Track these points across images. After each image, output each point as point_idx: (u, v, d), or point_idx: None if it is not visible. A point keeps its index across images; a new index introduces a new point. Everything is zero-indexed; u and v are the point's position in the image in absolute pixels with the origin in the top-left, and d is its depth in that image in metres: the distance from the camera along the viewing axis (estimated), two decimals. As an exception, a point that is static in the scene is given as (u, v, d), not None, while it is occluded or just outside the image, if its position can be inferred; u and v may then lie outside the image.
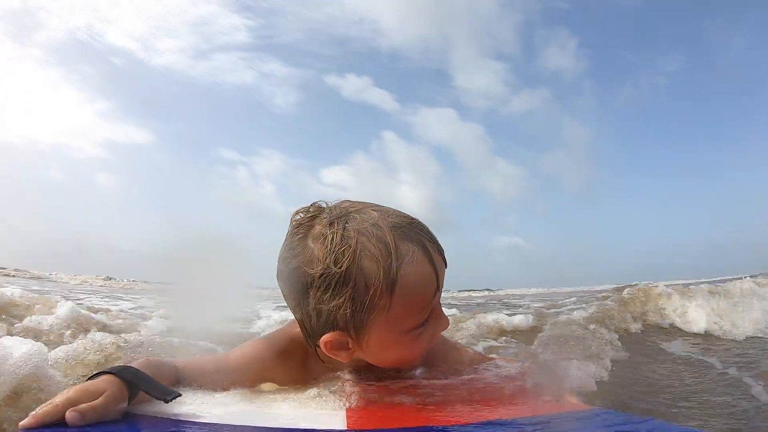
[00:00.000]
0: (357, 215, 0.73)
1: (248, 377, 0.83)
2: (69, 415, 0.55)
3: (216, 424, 0.62)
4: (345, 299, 0.70)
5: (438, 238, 0.80)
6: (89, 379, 0.62)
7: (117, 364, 0.68)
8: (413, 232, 0.75)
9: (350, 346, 0.76)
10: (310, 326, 0.75)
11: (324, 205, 0.78)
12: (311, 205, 0.78)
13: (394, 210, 0.77)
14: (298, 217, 0.77)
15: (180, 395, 0.66)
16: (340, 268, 0.69)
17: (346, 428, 0.65)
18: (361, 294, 0.70)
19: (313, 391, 0.82)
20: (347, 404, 0.74)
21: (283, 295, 0.79)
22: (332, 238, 0.70)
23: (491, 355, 1.04)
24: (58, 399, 0.57)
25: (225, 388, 0.82)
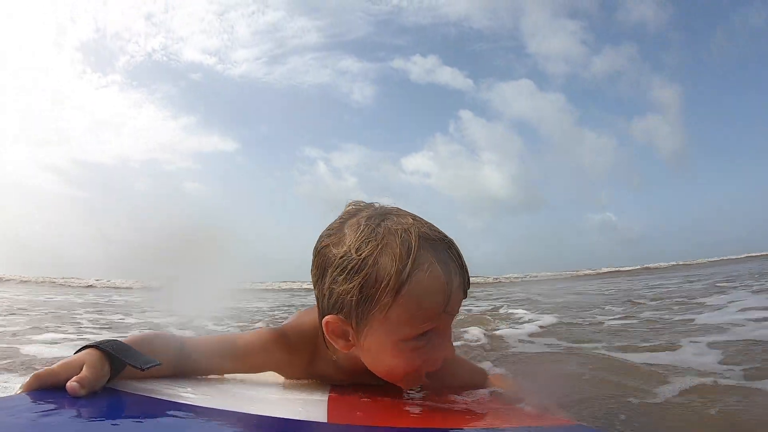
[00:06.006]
0: (395, 218, 0.77)
1: (253, 365, 0.85)
2: (69, 385, 0.57)
3: (199, 407, 0.63)
4: (354, 286, 0.73)
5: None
6: (76, 353, 0.64)
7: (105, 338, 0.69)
8: (440, 247, 0.76)
9: (350, 338, 0.78)
10: (322, 305, 0.79)
11: (377, 204, 0.83)
12: (366, 202, 0.84)
13: (432, 225, 0.80)
14: (350, 208, 0.82)
15: (159, 364, 0.68)
16: (360, 255, 0.72)
17: (326, 421, 0.66)
18: (369, 286, 0.72)
19: (298, 389, 0.83)
20: (327, 402, 0.75)
21: (311, 270, 0.82)
22: (364, 228, 0.75)
23: (492, 372, 1.05)
24: (42, 372, 0.59)
25: (228, 372, 0.85)
